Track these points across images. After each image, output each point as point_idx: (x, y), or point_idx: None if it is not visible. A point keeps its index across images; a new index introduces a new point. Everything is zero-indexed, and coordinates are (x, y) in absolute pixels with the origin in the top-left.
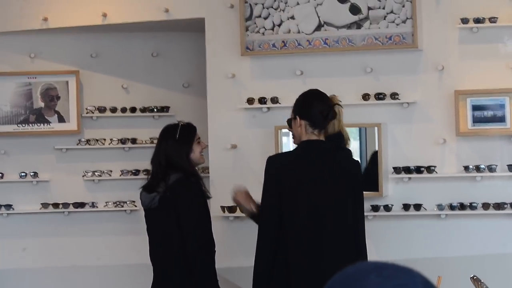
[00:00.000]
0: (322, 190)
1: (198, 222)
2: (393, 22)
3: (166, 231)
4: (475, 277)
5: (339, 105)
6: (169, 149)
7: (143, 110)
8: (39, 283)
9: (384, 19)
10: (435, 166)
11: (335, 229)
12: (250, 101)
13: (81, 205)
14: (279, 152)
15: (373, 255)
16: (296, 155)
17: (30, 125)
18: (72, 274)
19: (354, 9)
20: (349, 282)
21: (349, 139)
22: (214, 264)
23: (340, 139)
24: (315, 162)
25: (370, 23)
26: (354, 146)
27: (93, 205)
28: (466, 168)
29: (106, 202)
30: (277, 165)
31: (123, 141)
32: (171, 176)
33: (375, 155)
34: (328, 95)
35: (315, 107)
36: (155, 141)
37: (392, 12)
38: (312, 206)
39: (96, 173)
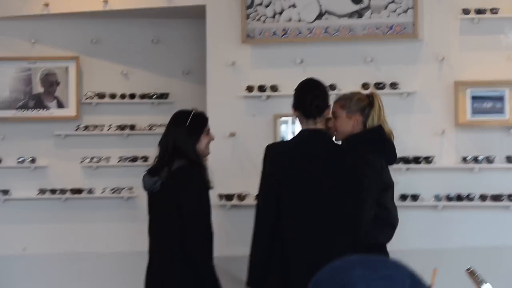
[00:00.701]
0: (320, 179)
1: (199, 211)
2: (395, 11)
3: (166, 216)
4: (470, 269)
5: (376, 98)
6: (177, 135)
7: (143, 96)
8: (36, 269)
9: (386, 8)
10: (433, 157)
11: (334, 217)
12: (249, 88)
13: (79, 191)
14: (278, 140)
15: None
16: (294, 144)
17: (29, 110)
18: (69, 260)
19: None
20: (335, 275)
21: (391, 133)
22: (212, 253)
23: (381, 132)
24: (313, 151)
25: (371, 13)
26: None
27: (90, 191)
28: (465, 159)
29: (103, 189)
30: (275, 153)
31: (122, 127)
32: (175, 162)
33: None
34: (366, 91)
35: (306, 98)
36: (154, 128)
37: (393, 1)
38: (310, 195)
39: (94, 160)
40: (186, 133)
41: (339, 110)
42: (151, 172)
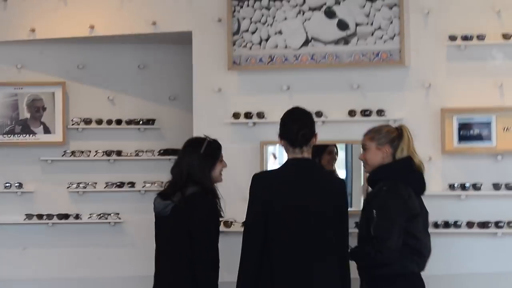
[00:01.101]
0: (307, 209)
1: (210, 240)
2: (381, 38)
3: (176, 241)
4: None
5: (405, 130)
6: (192, 162)
7: (129, 122)
8: None
9: (372, 35)
10: None
11: (320, 248)
12: (236, 115)
13: (65, 216)
14: (264, 167)
15: (355, 272)
16: (281, 174)
17: (16, 135)
18: (55, 286)
19: (342, 25)
20: None
21: (421, 163)
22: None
23: (409, 163)
24: (300, 180)
25: (358, 39)
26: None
27: (77, 216)
28: (451, 186)
29: (90, 214)
30: (262, 183)
31: (108, 153)
32: (189, 188)
33: None
34: (386, 123)
35: (291, 127)
36: (140, 154)
37: (380, 28)
38: (297, 223)
39: (80, 185)
40: (200, 161)
41: (368, 142)
42: (163, 196)
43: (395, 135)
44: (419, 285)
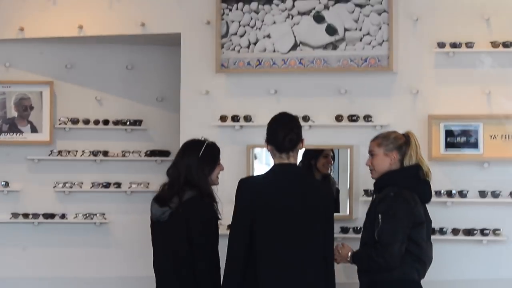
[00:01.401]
0: (293, 214)
1: (210, 243)
2: (369, 44)
3: (175, 245)
4: None
5: (412, 137)
6: (190, 165)
7: (116, 123)
8: None
9: (360, 41)
10: None
11: (306, 252)
12: (223, 118)
13: (51, 216)
14: (251, 170)
15: (341, 277)
16: (267, 179)
17: (3, 134)
18: (40, 284)
19: (331, 30)
20: None
21: (429, 171)
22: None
23: (418, 170)
24: (286, 185)
25: (346, 45)
26: None
27: (63, 216)
28: (438, 193)
29: (76, 214)
30: (248, 188)
31: (94, 153)
32: (186, 192)
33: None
34: (389, 130)
35: (278, 132)
36: (127, 154)
37: (368, 34)
38: (283, 227)
39: (67, 185)
40: (199, 164)
41: (376, 148)
42: (160, 201)
43: (403, 142)
44: None
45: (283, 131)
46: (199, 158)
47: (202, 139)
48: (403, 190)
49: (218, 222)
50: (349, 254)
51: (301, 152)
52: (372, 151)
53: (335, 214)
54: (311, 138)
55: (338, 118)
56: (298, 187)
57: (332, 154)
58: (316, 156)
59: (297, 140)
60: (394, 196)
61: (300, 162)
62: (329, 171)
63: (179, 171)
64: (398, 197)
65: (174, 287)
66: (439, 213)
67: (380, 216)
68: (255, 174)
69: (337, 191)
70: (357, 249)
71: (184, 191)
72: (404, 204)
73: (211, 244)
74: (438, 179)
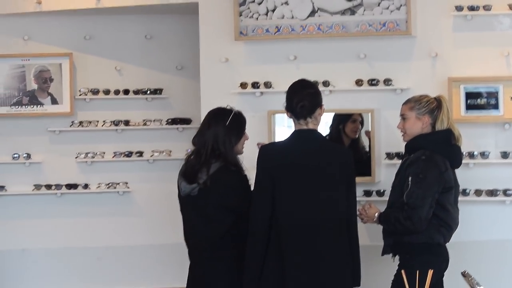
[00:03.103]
0: (315, 179)
1: (247, 209)
2: (387, 8)
3: (210, 217)
4: (466, 272)
5: (444, 100)
6: (218, 135)
7: (136, 92)
8: (31, 264)
9: (378, 5)
10: None
11: (328, 216)
12: (243, 85)
13: (74, 186)
14: (272, 135)
15: (365, 239)
16: (287, 145)
17: (23, 107)
18: (64, 255)
19: None
20: None
21: (460, 136)
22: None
23: (450, 135)
24: (307, 151)
25: (364, 10)
26: None
27: (86, 186)
28: None
29: (98, 184)
30: (269, 154)
31: (116, 123)
32: (213, 165)
33: None
34: (420, 94)
35: (292, 99)
36: (148, 123)
37: None
38: (305, 195)
39: (89, 155)
40: (226, 133)
41: (408, 112)
42: (188, 178)
43: (435, 106)
44: (445, 256)
45: (296, 97)
46: (226, 127)
47: (228, 107)
48: (435, 154)
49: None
50: (376, 214)
51: (330, 117)
52: (404, 115)
53: (362, 177)
54: (332, 103)
55: (358, 82)
56: (318, 152)
57: (360, 119)
58: (345, 120)
59: (311, 106)
60: (426, 159)
61: (329, 127)
62: (356, 136)
63: (205, 140)
64: (429, 161)
65: (211, 256)
66: (461, 175)
67: (410, 178)
68: (277, 139)
69: (366, 154)
70: (385, 210)
71: (210, 163)
72: (435, 168)
73: (247, 209)
74: None
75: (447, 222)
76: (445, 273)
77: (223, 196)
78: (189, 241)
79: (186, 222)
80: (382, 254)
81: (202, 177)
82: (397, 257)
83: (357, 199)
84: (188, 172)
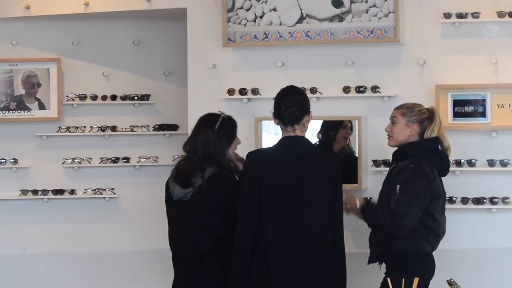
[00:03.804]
0: (302, 186)
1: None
2: (376, 15)
3: (201, 219)
4: (451, 280)
5: (437, 113)
6: (208, 139)
7: (124, 98)
8: (17, 269)
9: (367, 12)
10: None
11: (315, 224)
12: (230, 91)
13: (60, 192)
14: (259, 142)
15: (351, 247)
16: (274, 151)
17: (11, 112)
18: (51, 260)
19: (337, 2)
20: None
21: (449, 148)
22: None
23: (437, 143)
24: (294, 159)
25: (353, 17)
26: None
27: (72, 192)
28: None
29: (85, 189)
30: (257, 161)
31: (103, 128)
32: (207, 169)
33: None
34: (414, 102)
35: (281, 106)
36: (135, 129)
37: (374, 5)
38: (292, 201)
39: (75, 160)
40: (216, 137)
41: (399, 117)
42: (181, 182)
43: (426, 116)
44: (431, 265)
45: (284, 104)
46: (215, 131)
47: (218, 112)
48: (423, 162)
49: None
50: (358, 203)
51: (318, 124)
52: (394, 118)
53: (349, 184)
54: (319, 110)
55: (346, 89)
56: (306, 159)
57: (350, 125)
58: (337, 127)
59: (299, 113)
60: (414, 168)
61: (318, 134)
62: (346, 142)
63: (196, 146)
64: (418, 169)
65: (199, 262)
66: (448, 182)
67: (398, 186)
68: (264, 146)
69: (355, 159)
70: (371, 203)
71: (204, 168)
72: (424, 177)
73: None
74: None
75: (435, 231)
76: (431, 281)
77: (216, 201)
78: (176, 246)
79: (174, 227)
80: (368, 263)
81: (197, 181)
82: (383, 264)
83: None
84: (181, 177)
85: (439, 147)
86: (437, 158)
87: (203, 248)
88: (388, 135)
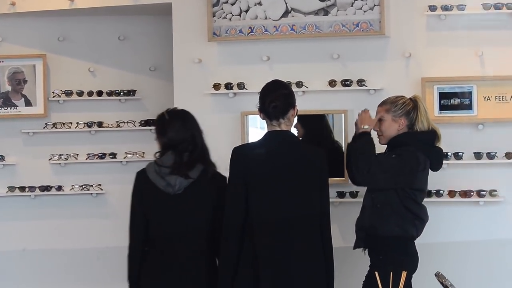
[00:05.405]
0: (287, 180)
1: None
2: (361, 9)
3: (192, 215)
4: (439, 274)
5: (420, 101)
6: (201, 139)
7: (110, 93)
8: (5, 266)
9: (352, 5)
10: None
11: (302, 219)
12: (216, 86)
13: (48, 188)
14: (245, 137)
15: (339, 241)
16: (259, 146)
17: None
18: (38, 257)
19: None
20: None
21: (440, 137)
22: None
23: (435, 137)
24: (280, 152)
25: (338, 10)
26: None
27: (59, 188)
28: None
29: (72, 186)
30: (242, 156)
31: (89, 124)
32: (196, 167)
33: None
34: (396, 95)
35: (266, 100)
36: (122, 125)
37: None
38: (278, 196)
39: (62, 157)
40: (201, 134)
41: (384, 114)
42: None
43: (411, 107)
44: (414, 250)
45: (269, 98)
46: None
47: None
48: (419, 152)
49: None
50: (367, 127)
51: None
52: (380, 117)
53: (335, 178)
54: (305, 104)
55: (332, 83)
56: (290, 153)
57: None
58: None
59: (284, 107)
60: (413, 151)
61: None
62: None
63: (186, 143)
64: (414, 153)
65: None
66: (435, 175)
67: (393, 156)
68: (250, 141)
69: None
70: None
71: (194, 165)
72: (415, 161)
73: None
74: None
75: (419, 216)
76: (418, 273)
77: (216, 197)
78: (165, 233)
79: (163, 216)
80: (354, 248)
81: (191, 176)
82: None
83: (330, 200)
84: (176, 169)
85: (435, 141)
86: (432, 151)
87: (196, 236)
88: (377, 134)
